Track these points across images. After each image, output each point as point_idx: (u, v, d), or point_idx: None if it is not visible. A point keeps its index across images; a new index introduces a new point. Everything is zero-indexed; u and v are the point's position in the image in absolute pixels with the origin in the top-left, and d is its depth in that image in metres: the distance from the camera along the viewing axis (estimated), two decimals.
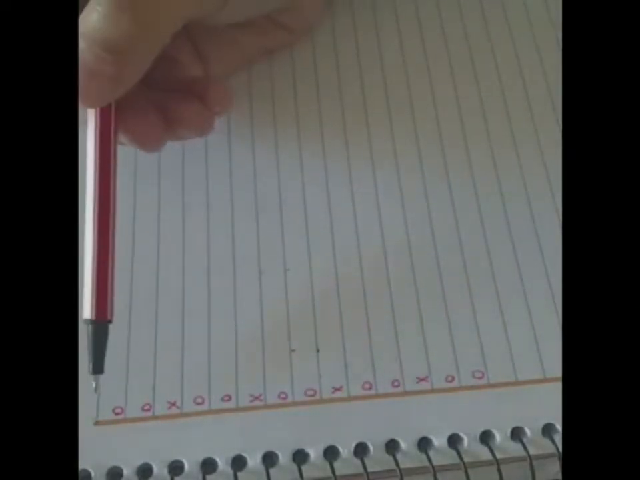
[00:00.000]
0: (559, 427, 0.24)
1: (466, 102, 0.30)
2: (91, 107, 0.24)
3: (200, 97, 0.26)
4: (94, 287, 0.23)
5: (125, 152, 0.26)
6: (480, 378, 0.25)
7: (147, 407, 0.25)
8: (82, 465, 0.24)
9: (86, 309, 0.23)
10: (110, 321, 0.23)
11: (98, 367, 0.23)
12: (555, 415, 0.24)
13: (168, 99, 0.26)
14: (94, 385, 0.24)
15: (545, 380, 0.25)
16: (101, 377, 0.25)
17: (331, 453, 0.24)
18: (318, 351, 0.26)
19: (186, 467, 0.24)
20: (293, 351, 0.26)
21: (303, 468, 0.24)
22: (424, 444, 0.24)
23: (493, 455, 0.24)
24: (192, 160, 0.29)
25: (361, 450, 0.24)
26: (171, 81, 0.27)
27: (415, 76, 0.31)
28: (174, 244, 0.28)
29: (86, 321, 0.23)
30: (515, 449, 0.24)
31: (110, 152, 0.24)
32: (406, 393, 0.25)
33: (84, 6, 0.24)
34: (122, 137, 0.25)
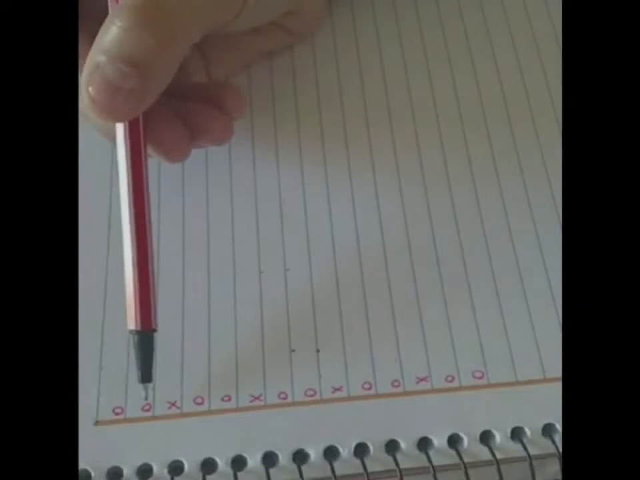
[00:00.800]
0: (559, 427, 0.24)
1: (466, 102, 0.30)
2: (119, 121, 0.24)
3: (217, 104, 0.26)
4: (137, 297, 0.23)
5: None
6: (480, 378, 0.25)
7: (146, 407, 0.25)
8: (82, 465, 0.24)
9: (130, 320, 0.24)
10: (155, 330, 0.24)
11: (146, 376, 0.24)
12: (555, 415, 0.24)
13: (189, 108, 0.26)
14: (144, 395, 0.24)
15: (545, 380, 0.25)
16: (101, 377, 0.25)
17: (330, 453, 0.24)
18: (318, 351, 0.26)
19: (186, 467, 0.24)
20: (293, 351, 0.26)
21: (303, 468, 0.24)
22: (424, 444, 0.24)
23: (493, 454, 0.24)
24: (192, 160, 0.29)
25: (360, 450, 0.24)
26: (185, 92, 0.27)
27: (414, 77, 0.31)
28: (174, 244, 0.28)
29: (131, 331, 0.24)
30: (515, 448, 0.24)
31: (142, 165, 0.24)
32: (406, 393, 0.25)
33: (83, 5, 0.24)
34: (150, 149, 0.25)
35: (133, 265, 0.24)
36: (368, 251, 0.27)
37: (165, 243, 0.28)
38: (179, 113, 0.26)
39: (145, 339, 0.24)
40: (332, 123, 0.30)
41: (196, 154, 0.29)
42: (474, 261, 0.27)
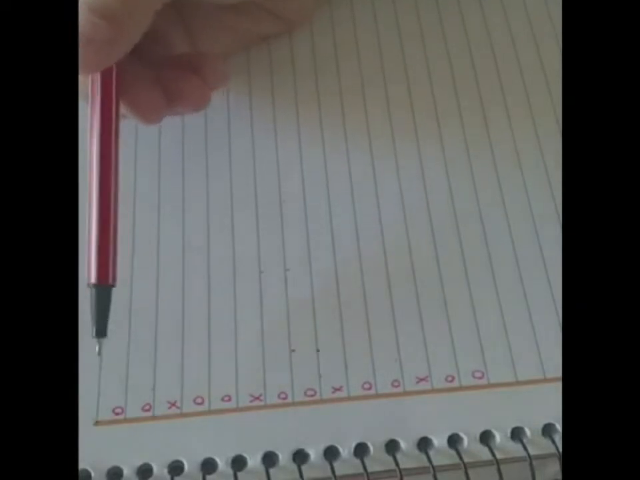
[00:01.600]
0: (559, 427, 0.24)
1: (466, 102, 0.30)
2: (90, 72, 0.24)
3: (197, 72, 0.27)
4: (97, 252, 0.24)
5: (125, 151, 0.26)
6: (480, 378, 0.25)
7: (146, 407, 0.25)
8: (82, 465, 0.24)
9: (90, 274, 0.24)
10: (113, 285, 0.24)
11: (101, 331, 0.24)
12: (555, 415, 0.24)
13: (167, 74, 0.27)
14: (97, 349, 0.24)
15: (545, 380, 0.25)
16: (101, 377, 0.25)
17: (330, 453, 0.24)
18: (318, 350, 0.26)
19: (186, 467, 0.24)
20: (293, 351, 0.26)
21: (303, 468, 0.24)
22: (424, 444, 0.24)
23: (493, 454, 0.24)
24: (192, 161, 0.29)
25: (360, 450, 0.24)
26: (164, 59, 0.27)
27: (414, 77, 0.31)
28: (173, 244, 0.28)
29: (89, 285, 0.24)
30: (515, 448, 0.24)
31: (112, 117, 0.24)
32: (406, 393, 0.25)
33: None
34: (124, 108, 0.26)
35: (96, 218, 0.24)
36: (368, 251, 0.27)
37: (165, 243, 0.28)
38: (157, 77, 0.26)
39: (102, 293, 0.24)
40: (332, 123, 0.30)
41: (196, 154, 0.29)
42: (474, 261, 0.27)
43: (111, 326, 0.25)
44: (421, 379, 0.25)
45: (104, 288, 0.24)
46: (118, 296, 0.26)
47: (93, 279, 0.24)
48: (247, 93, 0.31)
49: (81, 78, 0.25)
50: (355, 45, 0.32)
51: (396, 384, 0.25)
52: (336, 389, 0.25)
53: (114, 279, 0.24)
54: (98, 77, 0.25)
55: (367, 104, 0.30)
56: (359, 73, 0.31)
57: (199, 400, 0.25)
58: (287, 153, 0.29)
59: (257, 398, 0.25)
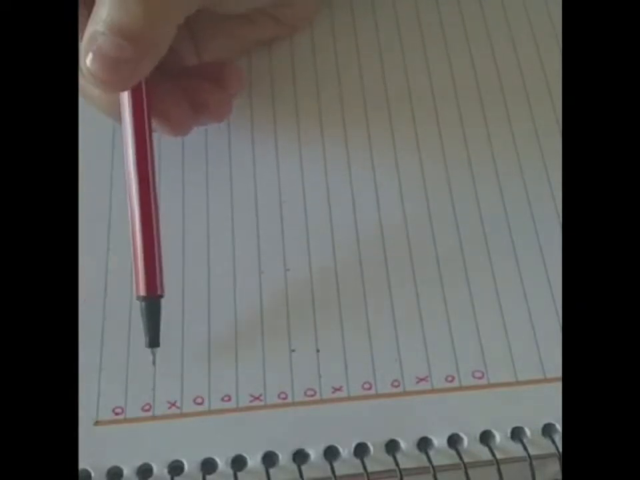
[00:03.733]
0: (559, 427, 0.24)
1: (466, 102, 0.30)
2: (116, 91, 0.25)
3: (216, 81, 0.27)
4: (143, 264, 0.24)
5: None
6: (480, 378, 0.25)
7: (146, 407, 0.25)
8: (82, 465, 0.24)
9: (137, 286, 0.24)
10: (161, 296, 0.24)
11: (154, 341, 0.25)
12: (555, 415, 0.24)
13: (190, 85, 0.27)
14: (152, 359, 0.25)
15: (545, 380, 0.25)
16: (101, 377, 0.25)
17: (330, 453, 0.24)
18: (318, 350, 0.26)
19: (186, 467, 0.24)
20: (293, 351, 0.26)
21: (303, 468, 0.24)
22: (424, 444, 0.24)
23: (493, 454, 0.24)
24: (192, 161, 0.29)
25: (360, 450, 0.24)
26: (183, 70, 0.28)
27: (414, 76, 0.31)
28: (174, 244, 0.28)
29: (139, 297, 0.24)
30: (515, 448, 0.24)
31: (146, 134, 0.25)
32: (406, 393, 0.25)
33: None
34: (154, 122, 0.26)
35: (140, 234, 0.24)
36: (368, 251, 0.27)
37: (165, 243, 0.28)
38: (184, 90, 0.27)
39: (152, 305, 0.24)
40: (332, 122, 0.30)
41: (196, 154, 0.29)
42: (474, 261, 0.27)
43: (110, 325, 0.26)
44: (421, 379, 0.25)
45: (154, 300, 0.24)
46: (118, 297, 0.26)
47: (142, 292, 0.24)
48: (248, 96, 0.30)
49: (110, 98, 0.25)
50: (355, 49, 0.32)
51: (396, 384, 0.25)
52: (336, 389, 0.25)
53: (162, 289, 0.24)
54: (128, 95, 0.25)
55: (367, 107, 0.30)
56: (359, 77, 0.31)
57: (199, 400, 0.25)
58: (287, 154, 0.29)
59: (257, 398, 0.25)
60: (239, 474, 0.24)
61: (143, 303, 0.24)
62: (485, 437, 0.24)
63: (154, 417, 0.25)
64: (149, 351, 0.25)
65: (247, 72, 0.31)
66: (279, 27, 0.31)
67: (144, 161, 0.25)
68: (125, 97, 0.25)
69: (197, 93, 0.27)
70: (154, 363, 0.25)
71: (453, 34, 0.32)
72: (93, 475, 0.24)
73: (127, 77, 0.24)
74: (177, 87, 0.27)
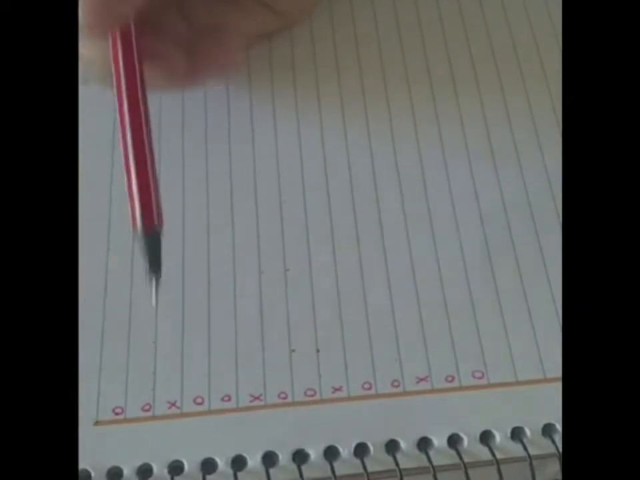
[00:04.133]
0: (559, 427, 0.24)
1: (465, 102, 0.30)
2: (102, 34, 0.25)
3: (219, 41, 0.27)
4: (138, 200, 0.23)
5: None
6: (480, 378, 0.25)
7: (146, 407, 0.25)
8: (82, 464, 0.24)
9: (136, 222, 0.23)
10: (160, 228, 0.24)
11: (155, 266, 0.23)
12: (555, 415, 0.24)
13: (191, 36, 0.27)
14: (153, 298, 0.23)
15: (545, 380, 0.25)
16: (101, 377, 0.25)
17: (330, 453, 0.24)
18: (318, 350, 0.26)
19: (186, 467, 0.24)
20: (293, 351, 0.26)
21: (303, 468, 0.24)
22: (424, 444, 0.24)
23: (493, 454, 0.24)
24: (192, 161, 0.29)
25: (360, 450, 0.24)
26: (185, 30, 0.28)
27: (414, 76, 0.31)
28: (174, 244, 0.28)
29: (136, 232, 0.23)
30: (515, 448, 0.24)
31: (137, 72, 0.25)
32: (406, 393, 0.25)
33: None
34: (147, 68, 0.25)
35: (135, 168, 0.24)
36: (368, 251, 0.27)
37: (165, 243, 0.27)
38: (181, 39, 0.27)
39: (152, 240, 0.24)
40: (331, 120, 0.30)
41: (195, 156, 0.29)
42: (474, 261, 0.27)
43: (111, 325, 0.25)
44: (421, 379, 0.25)
45: (153, 237, 0.24)
46: (118, 297, 0.26)
47: (139, 227, 0.23)
48: (247, 90, 0.31)
49: (100, 51, 0.25)
50: (354, 41, 0.32)
51: (396, 384, 0.25)
52: (336, 389, 0.25)
53: (160, 221, 0.24)
54: (117, 38, 0.25)
55: (367, 102, 0.30)
56: (358, 69, 0.31)
57: (199, 400, 0.25)
58: (287, 153, 0.29)
59: (257, 398, 0.25)
60: (239, 474, 0.24)
61: (142, 239, 0.23)
62: (485, 437, 0.24)
63: (154, 417, 0.25)
64: (151, 349, 0.25)
65: (245, 66, 0.31)
66: (274, 16, 0.30)
67: (134, 94, 0.24)
68: (115, 43, 0.25)
69: (196, 42, 0.27)
70: (156, 299, 0.23)
71: (453, 32, 0.32)
72: (92, 474, 0.24)
73: (113, 13, 0.24)
74: (174, 37, 0.26)
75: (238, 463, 0.24)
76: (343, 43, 0.32)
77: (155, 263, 0.23)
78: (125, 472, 0.24)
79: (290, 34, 0.32)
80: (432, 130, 0.30)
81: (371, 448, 0.24)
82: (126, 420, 0.25)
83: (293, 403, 0.25)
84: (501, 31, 0.32)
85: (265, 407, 0.25)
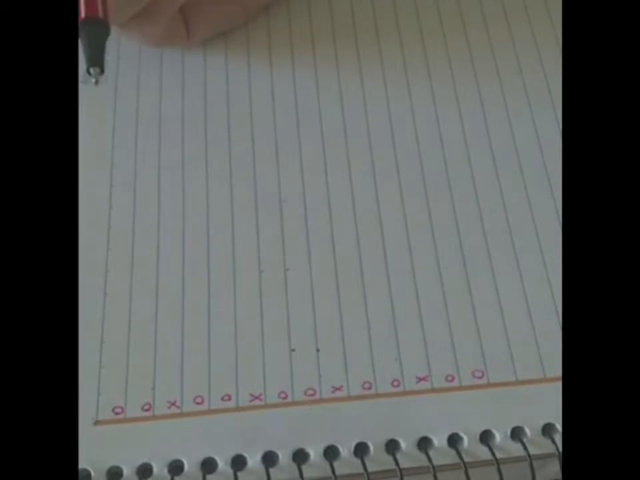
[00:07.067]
0: (559, 426, 0.24)
1: (465, 102, 0.30)
2: None
3: None
4: None
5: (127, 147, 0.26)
6: (480, 378, 0.25)
7: (146, 407, 0.25)
8: (82, 464, 0.24)
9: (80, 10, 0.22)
10: (105, 21, 0.22)
11: (97, 61, 0.22)
12: (555, 415, 0.24)
13: None
14: (94, 81, 0.22)
15: (545, 380, 0.25)
16: (101, 377, 0.25)
17: (330, 453, 0.24)
18: (318, 350, 0.26)
19: (186, 466, 0.24)
20: (293, 350, 0.26)
21: (303, 468, 0.24)
22: (424, 444, 0.24)
23: (493, 454, 0.24)
24: (192, 161, 0.29)
25: (360, 450, 0.24)
26: None
27: (414, 76, 0.31)
28: (174, 245, 0.28)
29: (81, 23, 0.22)
30: (515, 448, 0.24)
31: None
32: (406, 393, 0.25)
33: None
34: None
35: None
36: (368, 251, 0.27)
37: (165, 243, 0.28)
38: None
39: (93, 27, 0.22)
40: (331, 119, 0.30)
41: (195, 153, 0.29)
42: (474, 261, 0.27)
43: (110, 325, 0.25)
44: (421, 379, 0.25)
45: (95, 24, 0.22)
46: (118, 297, 0.26)
47: (83, 14, 0.22)
48: (248, 90, 0.31)
49: None
50: (350, 17, 0.32)
51: (396, 384, 0.25)
52: (336, 389, 0.25)
53: (105, 13, 0.22)
54: None
55: (367, 101, 0.30)
56: (359, 76, 0.31)
57: (199, 399, 0.25)
58: (287, 153, 0.29)
59: (257, 397, 0.25)
60: (239, 474, 0.24)
61: (84, 28, 0.22)
62: (485, 437, 0.24)
63: (154, 417, 0.25)
64: (151, 349, 0.25)
65: (245, 45, 0.31)
66: None
67: None
68: None
69: None
70: (97, 83, 0.22)
71: (453, 36, 0.32)
72: (92, 474, 0.24)
73: None
74: None
75: (238, 462, 0.24)
76: (340, 17, 0.32)
77: (95, 56, 0.22)
78: (125, 472, 0.24)
79: (287, 4, 0.32)
80: (432, 130, 0.30)
81: (371, 448, 0.24)
82: (126, 420, 0.25)
83: (293, 403, 0.25)
84: (501, 31, 0.32)
85: (265, 406, 0.25)
